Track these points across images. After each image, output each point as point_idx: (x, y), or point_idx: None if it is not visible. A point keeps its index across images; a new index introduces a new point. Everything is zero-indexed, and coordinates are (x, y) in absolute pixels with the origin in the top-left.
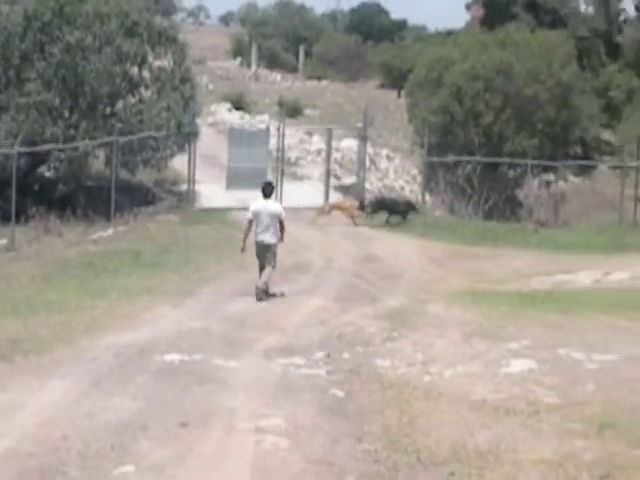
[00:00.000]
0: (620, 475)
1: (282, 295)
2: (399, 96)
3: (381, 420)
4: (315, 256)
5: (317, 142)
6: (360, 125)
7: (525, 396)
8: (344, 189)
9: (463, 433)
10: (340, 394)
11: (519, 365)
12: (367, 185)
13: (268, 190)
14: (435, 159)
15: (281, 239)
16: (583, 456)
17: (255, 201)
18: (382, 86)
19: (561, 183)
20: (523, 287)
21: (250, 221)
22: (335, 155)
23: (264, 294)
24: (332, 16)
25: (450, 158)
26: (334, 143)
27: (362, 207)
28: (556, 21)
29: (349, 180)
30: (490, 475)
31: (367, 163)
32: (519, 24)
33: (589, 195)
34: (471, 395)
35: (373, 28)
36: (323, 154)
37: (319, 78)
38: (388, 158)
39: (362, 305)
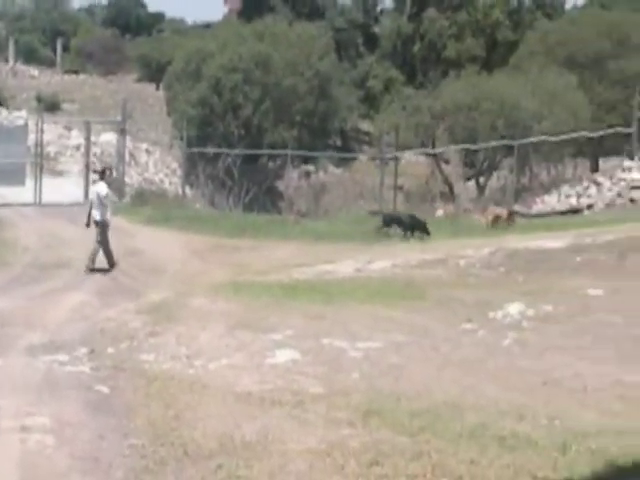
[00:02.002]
0: (387, 462)
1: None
2: (158, 89)
3: (147, 415)
4: (76, 251)
5: (76, 137)
6: (119, 119)
7: (290, 386)
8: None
9: (230, 425)
10: (105, 390)
11: (283, 356)
12: (127, 179)
13: (101, 175)
14: (195, 151)
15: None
16: (350, 444)
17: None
18: (140, 80)
19: (321, 174)
20: (285, 278)
21: (91, 202)
22: (94, 149)
23: (87, 268)
24: (89, 10)
25: (209, 150)
26: (93, 137)
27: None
28: (314, 13)
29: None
30: (258, 466)
31: (127, 157)
32: (277, 16)
33: (349, 185)
34: (236, 387)
35: (130, 21)
36: (82, 149)
37: (77, 72)
38: (148, 152)
39: (125, 300)
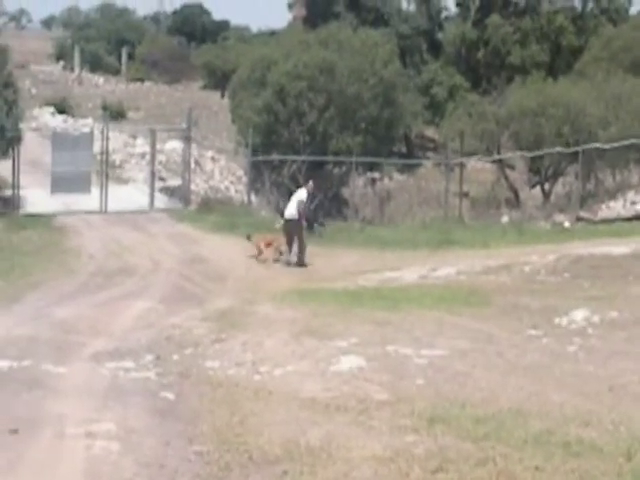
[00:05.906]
0: (451, 468)
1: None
2: (222, 97)
3: (212, 421)
4: (141, 259)
5: (141, 145)
6: (184, 126)
7: (355, 393)
8: (169, 191)
9: (294, 431)
10: (170, 397)
11: (348, 362)
12: (193, 187)
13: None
14: (260, 158)
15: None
16: (414, 451)
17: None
18: (205, 87)
19: (386, 181)
20: (350, 285)
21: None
22: (160, 157)
23: (294, 264)
24: (155, 18)
25: (275, 157)
26: (158, 145)
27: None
28: (378, 19)
29: (174, 182)
30: (323, 472)
31: (192, 165)
32: (341, 23)
33: (414, 192)
34: (301, 393)
35: (196, 29)
36: (147, 156)
37: (142, 80)
38: (213, 159)
39: (190, 307)
